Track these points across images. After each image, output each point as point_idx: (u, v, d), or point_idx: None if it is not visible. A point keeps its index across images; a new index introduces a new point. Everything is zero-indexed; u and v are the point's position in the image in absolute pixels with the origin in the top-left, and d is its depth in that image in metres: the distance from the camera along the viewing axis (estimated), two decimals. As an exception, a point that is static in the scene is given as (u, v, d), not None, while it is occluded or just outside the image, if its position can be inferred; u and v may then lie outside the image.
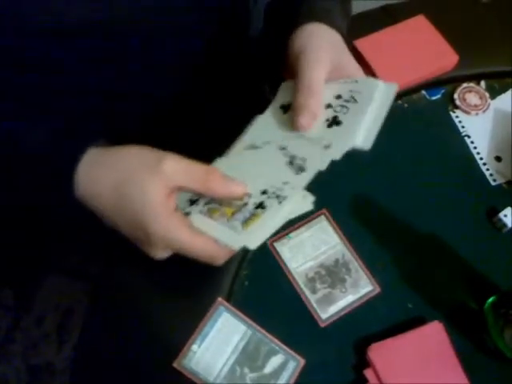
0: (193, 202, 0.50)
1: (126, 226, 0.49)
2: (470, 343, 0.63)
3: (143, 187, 0.46)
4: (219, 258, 0.49)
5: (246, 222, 0.47)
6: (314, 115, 0.53)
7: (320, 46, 0.56)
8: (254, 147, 0.56)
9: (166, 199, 0.47)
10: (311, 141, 0.53)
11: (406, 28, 0.79)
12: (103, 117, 0.62)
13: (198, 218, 0.49)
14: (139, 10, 0.55)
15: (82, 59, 0.56)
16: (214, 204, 0.50)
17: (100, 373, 0.60)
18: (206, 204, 0.50)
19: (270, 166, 0.53)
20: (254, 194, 0.50)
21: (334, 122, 0.53)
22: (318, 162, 0.51)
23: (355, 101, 0.54)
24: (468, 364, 0.60)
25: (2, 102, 0.55)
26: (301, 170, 0.52)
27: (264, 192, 0.50)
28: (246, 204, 0.49)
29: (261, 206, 0.48)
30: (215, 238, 0.48)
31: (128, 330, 0.62)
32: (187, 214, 0.49)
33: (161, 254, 0.50)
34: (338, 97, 0.56)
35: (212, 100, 0.73)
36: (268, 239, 0.50)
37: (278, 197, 0.49)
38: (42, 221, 0.80)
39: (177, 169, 0.47)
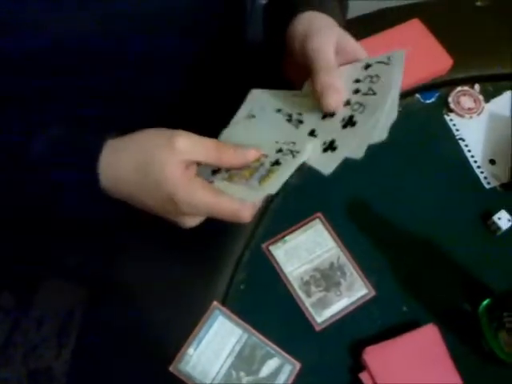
0: (214, 172, 0.52)
1: (154, 203, 0.51)
2: (464, 346, 0.63)
3: (161, 165, 0.48)
4: (244, 213, 0.50)
5: (262, 178, 0.49)
6: (340, 93, 0.53)
7: (323, 30, 0.56)
8: (251, 116, 0.58)
9: (184, 171, 0.49)
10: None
11: (400, 32, 0.79)
12: (103, 119, 0.62)
13: (220, 184, 0.51)
14: (139, 12, 0.56)
15: (81, 61, 0.57)
16: (235, 170, 0.52)
17: (98, 377, 0.61)
18: (227, 171, 0.52)
19: (273, 127, 0.55)
20: (269, 154, 0.51)
21: (350, 121, 0.52)
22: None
23: (373, 93, 0.53)
24: (463, 366, 0.60)
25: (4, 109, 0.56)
26: (300, 122, 0.53)
27: (279, 150, 0.51)
28: (262, 164, 0.51)
29: (276, 162, 0.50)
30: (236, 196, 0.50)
31: (125, 334, 0.62)
32: (211, 183, 0.52)
33: (191, 221, 0.52)
34: (357, 80, 0.54)
35: (210, 101, 0.74)
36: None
37: (291, 152, 0.50)
38: (43, 223, 0.81)
39: (188, 144, 0.49)
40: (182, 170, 0.49)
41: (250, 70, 0.80)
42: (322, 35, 0.55)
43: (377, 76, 0.52)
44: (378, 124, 0.49)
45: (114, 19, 0.55)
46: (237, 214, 0.50)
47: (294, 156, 0.50)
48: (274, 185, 0.48)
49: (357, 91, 0.52)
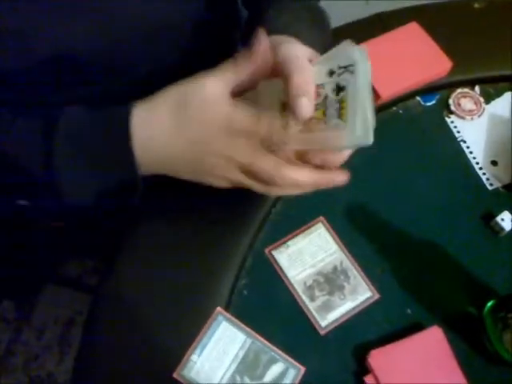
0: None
1: (190, 142, 0.49)
2: (469, 348, 0.63)
3: (203, 86, 0.48)
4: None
5: (340, 112, 0.46)
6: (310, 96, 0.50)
7: (293, 40, 0.55)
8: None
9: (229, 92, 0.48)
10: None
11: (399, 35, 0.79)
12: None
13: (300, 140, 0.49)
14: (138, 12, 0.56)
15: (77, 69, 0.57)
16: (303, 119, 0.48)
17: (101, 384, 0.61)
18: (297, 124, 0.49)
19: None
20: (324, 82, 0.48)
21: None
22: None
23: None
24: (468, 368, 0.60)
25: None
26: None
27: (331, 73, 0.48)
28: (326, 97, 0.48)
29: (339, 88, 0.47)
30: (325, 148, 0.49)
31: (128, 341, 0.62)
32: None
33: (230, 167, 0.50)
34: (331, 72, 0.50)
35: None
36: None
37: (345, 68, 0.47)
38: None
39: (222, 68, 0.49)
40: (226, 88, 0.48)
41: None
42: (289, 45, 0.53)
43: (344, 88, 0.48)
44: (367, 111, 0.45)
45: (110, 29, 0.55)
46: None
47: (352, 72, 0.46)
48: (357, 114, 0.45)
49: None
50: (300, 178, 0.50)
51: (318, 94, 0.48)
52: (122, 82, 0.61)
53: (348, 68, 0.47)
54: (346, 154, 0.53)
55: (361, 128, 0.45)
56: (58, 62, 0.53)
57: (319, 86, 0.48)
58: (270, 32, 0.57)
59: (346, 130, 0.46)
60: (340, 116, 0.46)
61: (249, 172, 0.50)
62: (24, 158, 0.50)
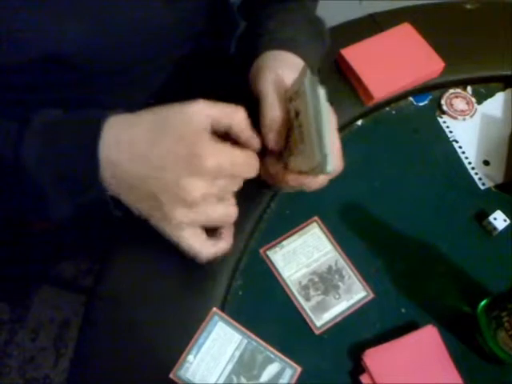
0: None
1: (167, 149, 0.47)
2: (463, 346, 0.63)
3: (186, 115, 0.47)
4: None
5: (301, 137, 0.49)
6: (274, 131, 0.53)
7: (262, 70, 0.56)
8: None
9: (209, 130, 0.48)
10: None
11: (392, 36, 0.79)
12: None
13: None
14: (136, 19, 0.56)
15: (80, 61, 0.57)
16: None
17: (97, 385, 0.61)
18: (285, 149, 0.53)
19: None
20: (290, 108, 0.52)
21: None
22: None
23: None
24: (463, 367, 0.60)
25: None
26: None
27: (290, 99, 0.52)
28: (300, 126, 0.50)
29: (296, 114, 0.50)
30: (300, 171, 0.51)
31: (123, 342, 0.61)
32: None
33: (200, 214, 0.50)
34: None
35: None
36: None
37: (297, 94, 0.50)
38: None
39: (208, 102, 0.48)
40: (208, 124, 0.47)
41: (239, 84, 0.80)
42: (261, 76, 0.55)
43: (299, 113, 0.51)
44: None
45: (106, 30, 0.55)
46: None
47: (301, 98, 0.49)
48: (313, 140, 0.46)
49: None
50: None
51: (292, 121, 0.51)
52: (119, 83, 0.61)
53: (299, 94, 0.50)
54: (321, 179, 0.55)
55: (318, 154, 0.46)
56: (54, 61, 0.52)
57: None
58: (270, 44, 0.57)
59: (303, 156, 0.49)
60: (301, 141, 0.49)
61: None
62: None
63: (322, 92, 0.47)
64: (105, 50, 0.55)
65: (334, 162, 0.46)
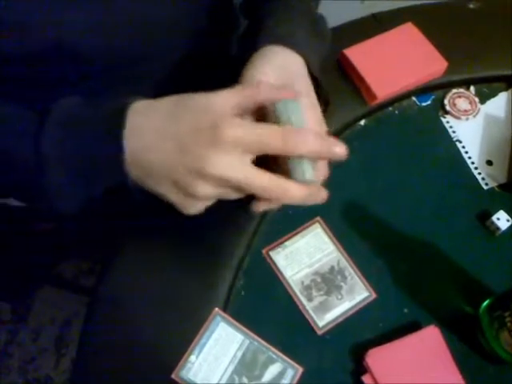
0: None
1: (187, 125, 0.46)
2: (466, 347, 0.63)
3: (207, 96, 0.46)
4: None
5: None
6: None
7: (261, 68, 0.54)
8: None
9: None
10: None
11: (395, 36, 0.79)
12: None
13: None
14: (138, 12, 0.56)
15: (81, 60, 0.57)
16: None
17: (99, 386, 0.61)
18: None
19: None
20: None
21: None
22: None
23: None
24: (465, 367, 0.60)
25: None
26: None
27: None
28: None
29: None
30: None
31: (126, 342, 0.61)
32: None
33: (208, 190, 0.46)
34: None
35: None
36: None
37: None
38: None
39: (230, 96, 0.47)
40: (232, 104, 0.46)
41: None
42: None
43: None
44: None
45: (109, 23, 0.55)
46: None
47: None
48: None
49: None
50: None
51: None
52: (119, 80, 0.60)
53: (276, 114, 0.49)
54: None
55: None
56: (55, 49, 0.52)
57: None
58: (267, 39, 0.57)
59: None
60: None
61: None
62: (14, 145, 0.49)
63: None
64: (105, 42, 0.55)
65: (315, 172, 0.48)
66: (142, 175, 0.48)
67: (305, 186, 0.47)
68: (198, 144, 0.45)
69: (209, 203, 0.49)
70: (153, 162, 0.47)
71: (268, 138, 0.45)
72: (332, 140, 0.47)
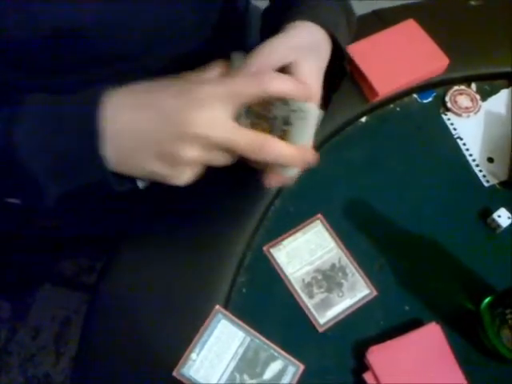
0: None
1: (164, 93, 0.47)
2: (467, 344, 0.63)
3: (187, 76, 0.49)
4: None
5: (280, 138, 0.49)
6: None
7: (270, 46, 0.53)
8: None
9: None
10: None
11: (396, 32, 0.79)
12: None
13: None
14: (139, 12, 0.56)
15: (81, 60, 0.56)
16: (253, 118, 0.51)
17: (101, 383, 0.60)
18: (248, 117, 0.51)
19: None
20: (280, 103, 0.51)
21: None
22: None
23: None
24: (466, 364, 0.60)
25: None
26: None
27: (285, 103, 0.51)
28: (275, 118, 0.51)
29: (285, 122, 0.50)
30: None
31: (127, 339, 0.61)
32: None
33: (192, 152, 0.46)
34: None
35: None
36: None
37: (297, 112, 0.50)
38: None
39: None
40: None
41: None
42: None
43: (290, 124, 0.51)
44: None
45: (119, 10, 0.54)
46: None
47: (302, 118, 0.50)
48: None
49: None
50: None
51: (271, 109, 0.51)
52: (133, 68, 0.60)
53: (299, 113, 0.50)
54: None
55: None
56: (67, 31, 0.51)
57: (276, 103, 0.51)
58: (291, 16, 0.56)
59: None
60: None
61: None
62: None
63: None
64: (118, 28, 0.54)
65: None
66: (122, 159, 0.47)
67: (292, 146, 0.48)
68: (177, 108, 0.46)
69: (198, 170, 0.49)
70: (133, 137, 0.47)
71: (244, 86, 0.46)
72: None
